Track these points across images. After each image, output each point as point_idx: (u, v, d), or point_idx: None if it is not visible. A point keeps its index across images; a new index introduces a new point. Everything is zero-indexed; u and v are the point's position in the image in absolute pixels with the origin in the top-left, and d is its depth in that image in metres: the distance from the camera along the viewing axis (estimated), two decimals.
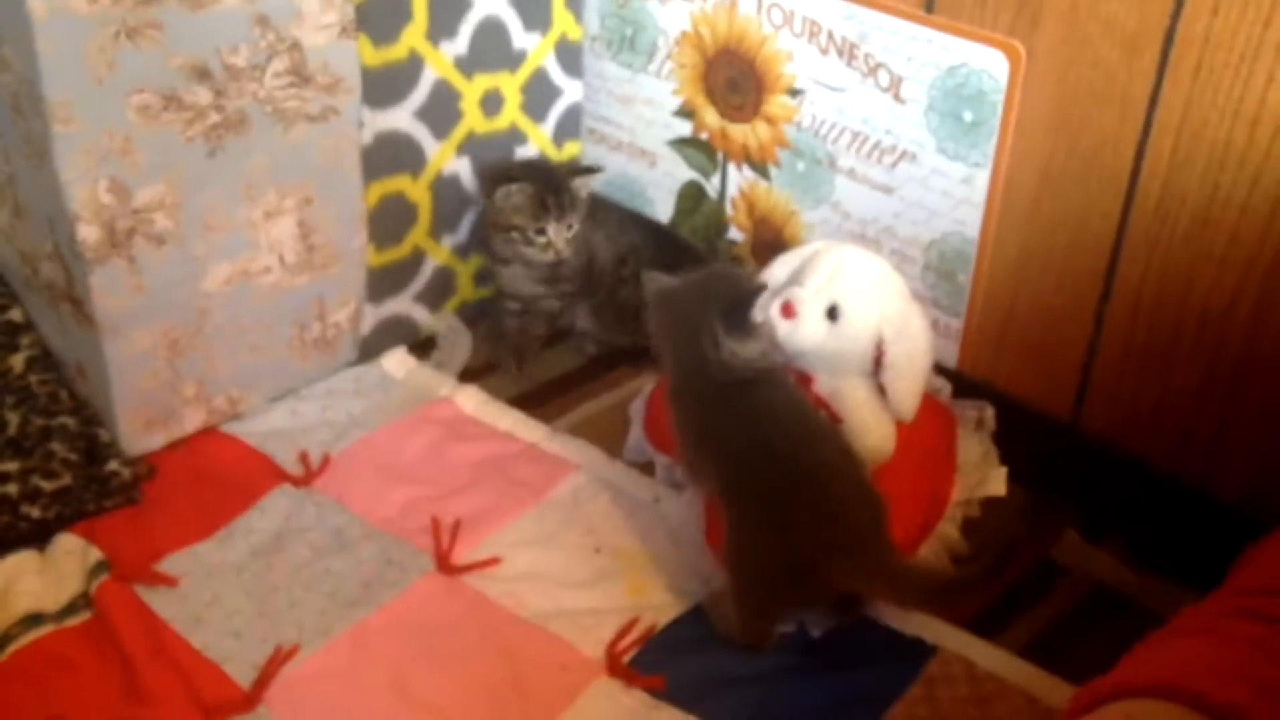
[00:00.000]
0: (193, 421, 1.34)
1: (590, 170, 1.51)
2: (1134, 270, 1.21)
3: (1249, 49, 1.07)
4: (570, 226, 1.44)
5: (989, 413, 1.30)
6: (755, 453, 1.09)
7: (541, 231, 1.43)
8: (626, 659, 1.12)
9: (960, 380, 1.36)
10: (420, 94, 1.40)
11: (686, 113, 1.55)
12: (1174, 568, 1.23)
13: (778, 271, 1.26)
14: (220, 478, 1.30)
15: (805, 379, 1.25)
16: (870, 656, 1.12)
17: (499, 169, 1.46)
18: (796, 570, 1.07)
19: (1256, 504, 1.17)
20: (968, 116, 1.27)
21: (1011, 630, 1.18)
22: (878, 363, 1.20)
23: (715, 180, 1.56)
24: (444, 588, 1.19)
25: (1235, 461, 1.21)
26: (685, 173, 1.58)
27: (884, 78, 1.33)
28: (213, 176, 1.23)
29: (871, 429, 1.18)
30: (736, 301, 1.12)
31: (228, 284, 1.29)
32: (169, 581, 1.17)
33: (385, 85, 1.36)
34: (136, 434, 1.29)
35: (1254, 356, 1.16)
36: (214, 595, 1.16)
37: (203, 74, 1.19)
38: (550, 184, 1.43)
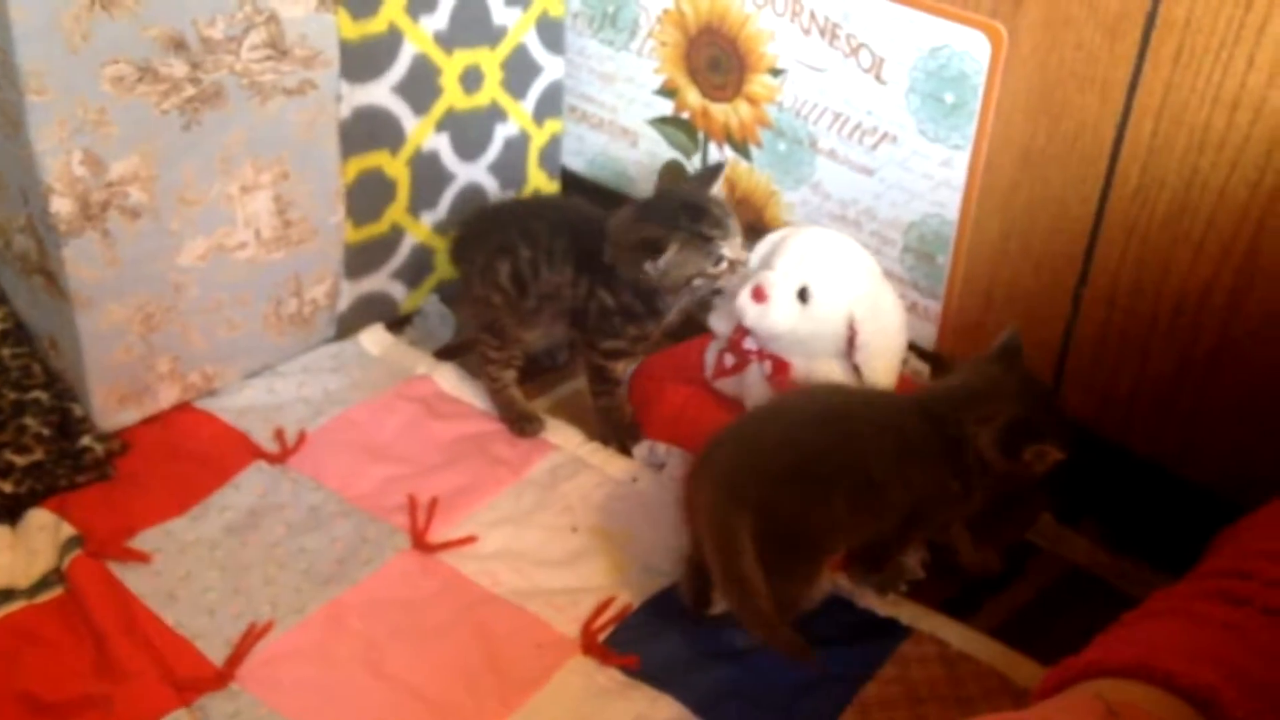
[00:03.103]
0: (167, 397, 1.33)
1: (715, 173, 1.31)
2: (1112, 254, 1.22)
3: (1229, 33, 1.07)
4: (736, 235, 1.26)
5: None
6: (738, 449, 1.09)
7: (719, 260, 1.24)
8: (602, 638, 1.12)
9: (939, 363, 1.36)
10: (399, 69, 1.39)
11: (668, 91, 1.54)
12: (1149, 551, 1.23)
13: (754, 257, 1.27)
14: (195, 454, 1.29)
15: (782, 365, 1.25)
16: (844, 636, 1.12)
17: (631, 240, 1.25)
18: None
19: (1231, 488, 1.17)
20: (949, 98, 1.27)
21: (986, 611, 1.19)
22: (851, 343, 1.20)
23: (696, 160, 1.55)
24: (419, 566, 1.19)
25: (1210, 445, 1.21)
26: (666, 152, 1.58)
27: (865, 58, 1.32)
28: (188, 150, 1.22)
29: None
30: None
31: (203, 259, 1.28)
32: (142, 558, 1.16)
33: (364, 59, 1.35)
34: (110, 409, 1.28)
35: (1230, 341, 1.17)
36: (187, 572, 1.16)
37: (178, 45, 1.17)
38: (690, 211, 1.24)
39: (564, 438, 1.36)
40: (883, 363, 1.19)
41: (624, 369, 1.35)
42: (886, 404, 1.14)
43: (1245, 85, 1.07)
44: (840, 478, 1.06)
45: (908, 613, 1.15)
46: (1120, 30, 1.13)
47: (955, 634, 1.13)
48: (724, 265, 1.24)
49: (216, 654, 1.08)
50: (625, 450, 1.34)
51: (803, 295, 1.20)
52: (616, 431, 1.36)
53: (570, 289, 1.31)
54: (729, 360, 1.29)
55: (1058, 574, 1.24)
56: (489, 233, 1.37)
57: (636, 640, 1.12)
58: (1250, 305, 1.14)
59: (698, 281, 1.25)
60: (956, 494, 1.09)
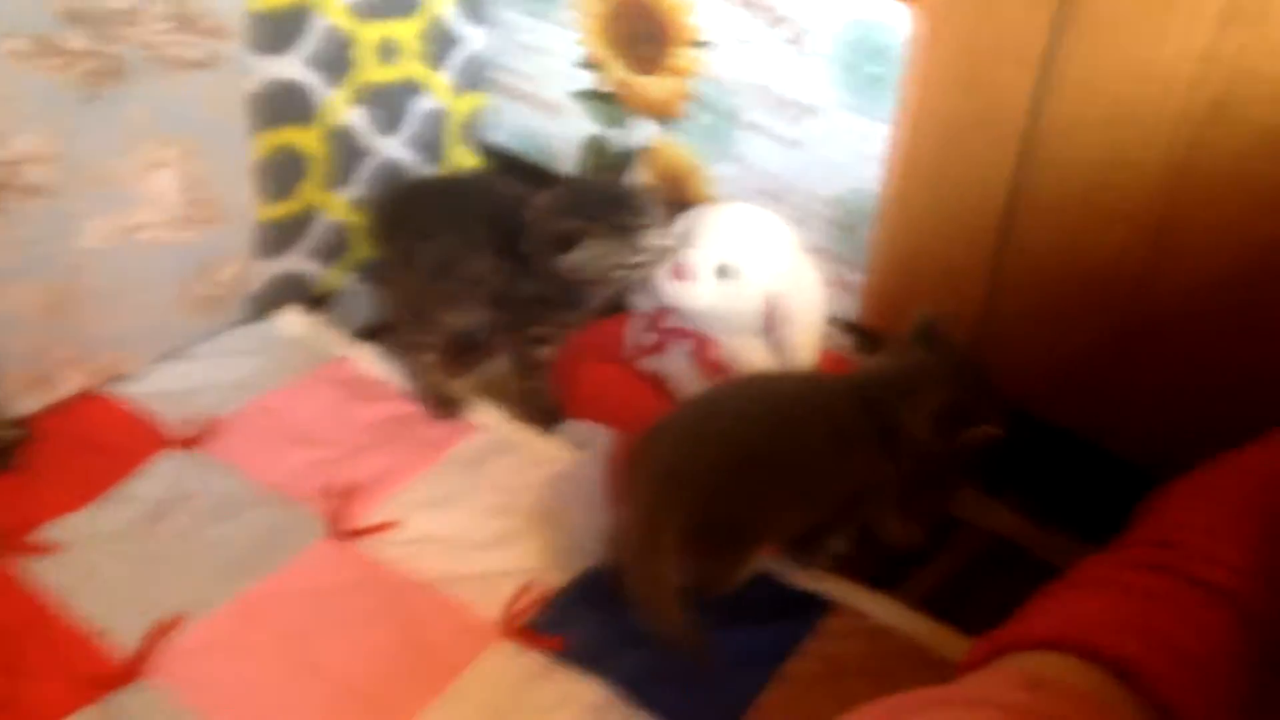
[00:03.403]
0: (72, 384, 1.28)
1: (627, 161, 1.29)
2: (1031, 227, 1.22)
3: (1140, 4, 1.07)
4: (657, 222, 1.22)
5: None
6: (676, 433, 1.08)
7: (641, 249, 1.20)
8: (525, 620, 1.10)
9: (864, 336, 1.36)
10: (312, 41, 1.35)
11: (592, 64, 1.51)
12: (1072, 521, 1.24)
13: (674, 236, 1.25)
14: (101, 442, 1.24)
15: (703, 342, 1.24)
16: (766, 612, 1.12)
17: (548, 233, 1.21)
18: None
19: (1153, 458, 1.18)
20: (871, 71, 1.26)
21: (909, 584, 1.19)
22: (771, 319, 1.20)
23: (620, 134, 1.53)
24: (338, 553, 1.16)
25: (1132, 416, 1.22)
26: (590, 126, 1.55)
27: (788, 30, 1.31)
28: (89, 127, 1.17)
29: None
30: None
31: (106, 240, 1.24)
32: (46, 551, 1.12)
33: (274, 31, 1.30)
34: (12, 397, 1.23)
35: (1148, 313, 1.17)
36: (94, 565, 1.12)
37: (78, 17, 1.12)
38: (608, 202, 1.21)
39: (488, 418, 1.33)
40: (804, 338, 1.19)
41: (549, 353, 1.32)
42: (823, 390, 1.13)
43: (1157, 58, 1.08)
44: (779, 470, 1.05)
45: (831, 587, 1.14)
46: (1039, 2, 1.13)
47: (879, 608, 1.13)
48: (645, 255, 1.21)
49: (126, 649, 1.04)
50: (550, 430, 1.32)
51: (722, 272, 1.19)
52: (540, 412, 1.34)
53: (491, 275, 1.27)
54: (649, 339, 1.28)
55: (981, 546, 1.25)
56: (409, 215, 1.33)
57: (563, 622, 1.10)
58: (1167, 278, 1.15)
59: (618, 273, 1.22)
60: (891, 477, 1.09)
